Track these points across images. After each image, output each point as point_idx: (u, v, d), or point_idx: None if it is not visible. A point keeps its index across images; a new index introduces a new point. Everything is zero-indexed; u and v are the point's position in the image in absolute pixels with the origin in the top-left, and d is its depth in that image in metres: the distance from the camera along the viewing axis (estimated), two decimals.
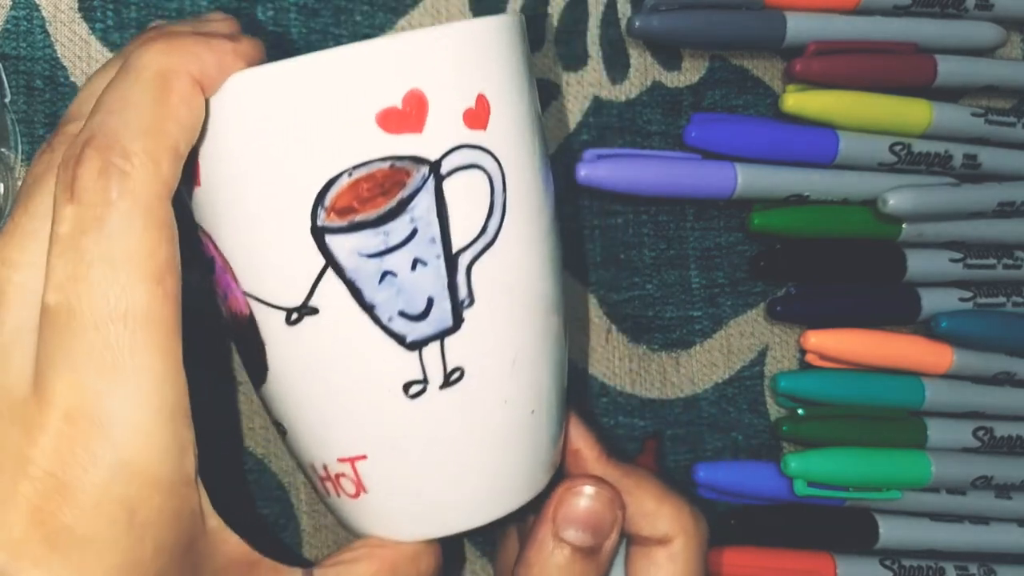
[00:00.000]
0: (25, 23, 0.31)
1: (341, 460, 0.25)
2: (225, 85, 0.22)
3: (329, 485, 0.25)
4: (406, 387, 0.23)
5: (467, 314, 0.23)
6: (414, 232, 0.22)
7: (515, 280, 0.24)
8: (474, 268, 0.23)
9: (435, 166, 0.22)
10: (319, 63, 0.22)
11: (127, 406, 0.21)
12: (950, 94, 0.38)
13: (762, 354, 0.38)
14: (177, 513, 0.22)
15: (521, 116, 0.24)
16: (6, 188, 0.30)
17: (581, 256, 0.36)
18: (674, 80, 0.36)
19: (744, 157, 0.35)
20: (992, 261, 0.38)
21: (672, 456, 0.36)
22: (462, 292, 0.23)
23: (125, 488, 0.21)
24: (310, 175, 0.22)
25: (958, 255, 0.38)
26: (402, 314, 0.23)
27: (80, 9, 0.31)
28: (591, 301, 0.36)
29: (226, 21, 0.25)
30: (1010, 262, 0.38)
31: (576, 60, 0.35)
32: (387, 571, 0.25)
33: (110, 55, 0.31)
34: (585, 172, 0.34)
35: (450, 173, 0.23)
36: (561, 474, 0.28)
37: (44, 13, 0.31)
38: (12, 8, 0.31)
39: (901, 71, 0.37)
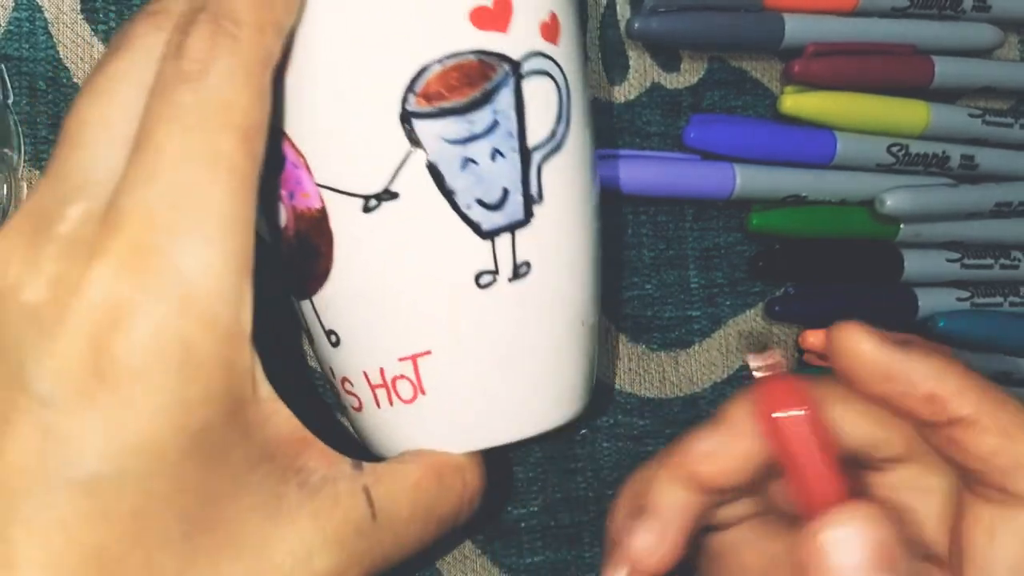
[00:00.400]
0: (28, 24, 0.31)
1: (402, 359, 0.25)
2: None
3: (382, 392, 0.26)
4: (477, 276, 0.25)
5: (536, 210, 0.25)
6: (495, 124, 0.24)
7: (576, 185, 0.26)
8: (544, 167, 0.25)
9: (516, 66, 0.24)
10: None
11: (197, 243, 0.21)
12: (948, 95, 0.38)
13: None
14: (230, 363, 0.21)
15: (580, 42, 0.26)
16: (9, 189, 0.30)
17: None
18: (673, 81, 0.37)
19: (743, 158, 0.36)
20: (989, 261, 0.38)
21: None
22: (533, 188, 0.25)
23: (183, 324, 0.21)
24: (404, 61, 0.23)
25: (955, 255, 0.38)
26: (479, 202, 0.24)
27: (83, 11, 0.31)
28: None
29: None
30: (1007, 262, 0.38)
31: None
32: (433, 476, 0.25)
33: None
34: None
35: (528, 75, 0.24)
36: (594, 403, 0.28)
37: (47, 14, 0.31)
38: (15, 9, 0.31)
39: (899, 72, 0.37)
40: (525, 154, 0.25)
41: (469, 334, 0.25)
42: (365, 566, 0.24)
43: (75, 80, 0.31)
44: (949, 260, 0.38)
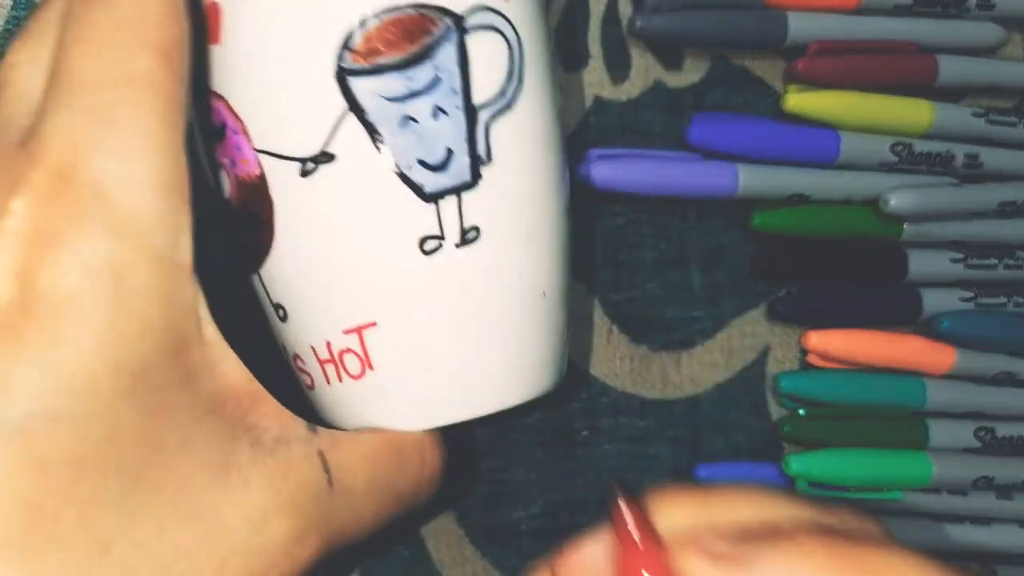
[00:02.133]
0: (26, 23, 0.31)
1: (348, 331, 0.24)
2: None
3: (331, 368, 0.25)
4: (422, 242, 0.24)
5: (484, 172, 0.24)
6: (437, 80, 0.23)
7: (530, 147, 0.25)
8: (492, 127, 0.24)
9: (459, 20, 0.23)
10: None
11: (123, 166, 0.20)
12: (951, 94, 0.38)
13: (763, 354, 0.38)
14: (167, 295, 0.20)
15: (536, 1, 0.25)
16: None
17: (581, 256, 0.35)
18: (675, 80, 0.36)
19: (746, 157, 0.35)
20: (993, 261, 0.38)
21: (673, 457, 0.36)
22: (480, 147, 0.24)
23: (114, 249, 0.20)
24: (339, 16, 0.23)
25: (959, 255, 0.38)
26: (421, 163, 0.23)
27: None
28: (592, 301, 0.36)
29: None
30: (1011, 262, 0.38)
31: (576, 60, 0.35)
32: (391, 450, 0.24)
33: None
34: (586, 172, 0.34)
35: (472, 30, 0.23)
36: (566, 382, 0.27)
37: None
38: (13, 8, 0.31)
39: (902, 71, 0.37)
40: (471, 112, 0.23)
41: (415, 304, 0.24)
42: (323, 534, 0.22)
43: None
44: (953, 260, 0.38)
